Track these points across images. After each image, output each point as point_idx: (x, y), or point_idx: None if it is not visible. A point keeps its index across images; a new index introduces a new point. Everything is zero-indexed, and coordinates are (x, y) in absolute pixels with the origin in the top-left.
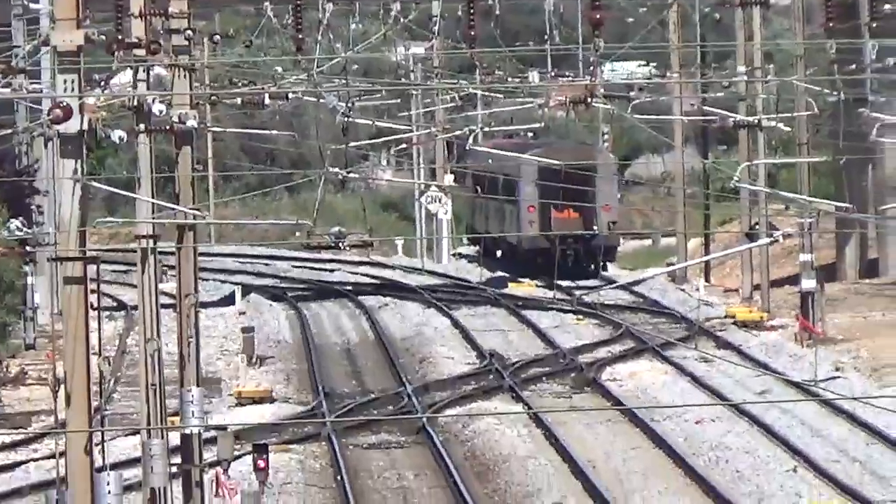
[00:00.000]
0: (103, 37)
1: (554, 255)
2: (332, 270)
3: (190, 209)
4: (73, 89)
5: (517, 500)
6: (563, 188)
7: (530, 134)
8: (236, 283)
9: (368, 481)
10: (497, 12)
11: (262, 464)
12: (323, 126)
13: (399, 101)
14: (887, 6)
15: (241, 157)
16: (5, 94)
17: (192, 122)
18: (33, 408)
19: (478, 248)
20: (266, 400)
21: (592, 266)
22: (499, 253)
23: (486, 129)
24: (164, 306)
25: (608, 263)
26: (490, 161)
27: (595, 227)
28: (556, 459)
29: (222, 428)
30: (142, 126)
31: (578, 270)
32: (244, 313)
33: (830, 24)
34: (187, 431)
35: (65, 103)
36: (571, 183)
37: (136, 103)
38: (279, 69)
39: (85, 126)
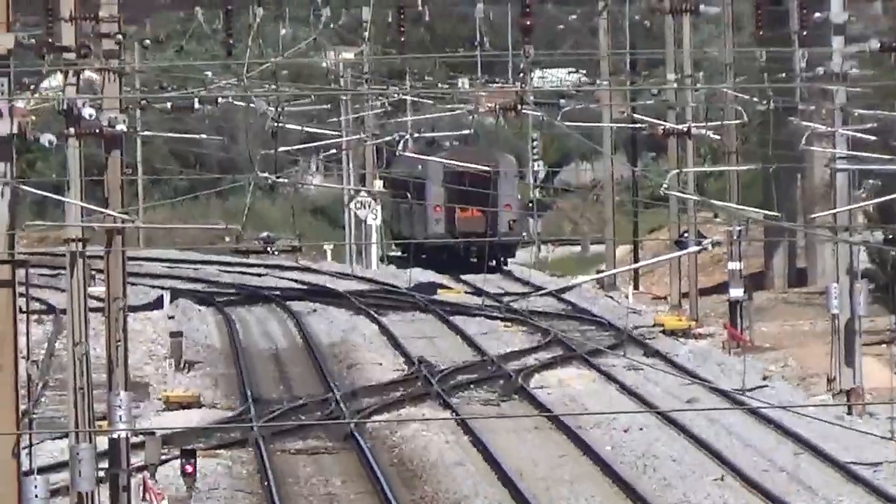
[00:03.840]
0: (33, 40)
1: (459, 253)
2: (260, 275)
3: (119, 213)
4: (2, 92)
5: None
6: (467, 189)
7: (455, 142)
8: (165, 288)
9: (295, 487)
10: (427, 18)
11: (189, 469)
12: (252, 131)
13: (329, 106)
14: (817, 15)
15: (170, 162)
16: None
17: (121, 126)
18: None
19: (403, 252)
20: (194, 405)
21: (494, 262)
22: (398, 250)
23: (416, 135)
24: (93, 310)
25: (509, 259)
26: (420, 167)
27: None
28: (484, 467)
29: (150, 432)
30: (71, 130)
31: (482, 266)
32: (172, 318)
33: (760, 33)
34: (115, 435)
35: None
36: (475, 185)
37: (65, 107)
38: (209, 73)
39: (15, 129)
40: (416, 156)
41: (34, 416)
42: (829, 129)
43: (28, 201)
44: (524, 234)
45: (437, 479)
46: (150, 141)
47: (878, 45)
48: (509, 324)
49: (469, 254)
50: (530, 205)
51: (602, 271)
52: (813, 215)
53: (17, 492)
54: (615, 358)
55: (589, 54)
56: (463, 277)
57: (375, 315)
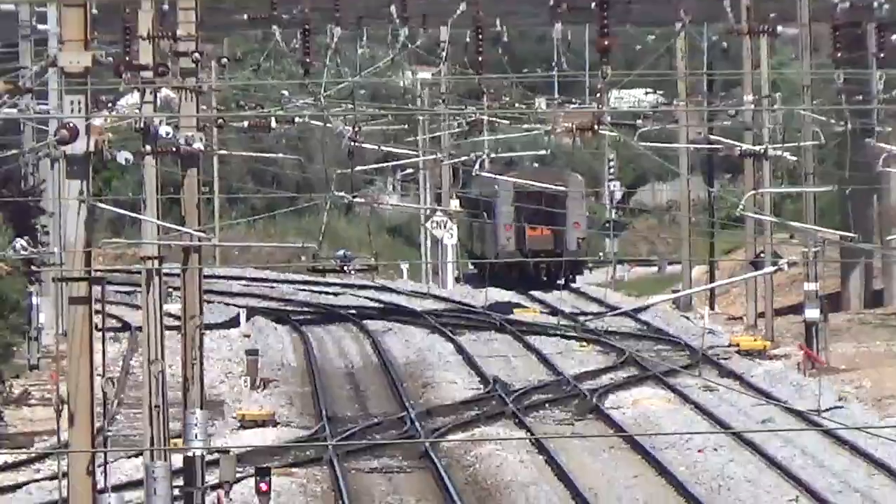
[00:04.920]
0: (111, 58)
1: (528, 270)
2: (336, 294)
3: (195, 231)
4: (79, 110)
5: None
6: (536, 208)
7: (535, 164)
8: (241, 306)
9: None
10: (504, 39)
11: (264, 487)
12: (329, 150)
13: (406, 126)
14: (894, 37)
15: (246, 180)
16: (12, 115)
17: (198, 145)
18: (36, 428)
19: (477, 270)
20: (269, 423)
21: (563, 280)
22: (473, 269)
23: (493, 155)
24: (169, 328)
25: (577, 276)
26: (496, 187)
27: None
28: (559, 486)
29: (225, 451)
30: (148, 148)
31: (550, 282)
32: (248, 336)
33: (838, 55)
34: (190, 453)
35: (71, 124)
36: (544, 203)
37: (142, 125)
38: (286, 93)
39: (91, 147)
40: (492, 175)
41: (109, 433)
42: None
43: (104, 219)
44: (600, 254)
45: (512, 498)
46: (226, 159)
47: None
48: (584, 343)
49: (538, 271)
50: (607, 225)
51: (678, 291)
52: (889, 236)
53: None
54: (690, 378)
55: (666, 75)
56: (539, 297)
57: (451, 334)
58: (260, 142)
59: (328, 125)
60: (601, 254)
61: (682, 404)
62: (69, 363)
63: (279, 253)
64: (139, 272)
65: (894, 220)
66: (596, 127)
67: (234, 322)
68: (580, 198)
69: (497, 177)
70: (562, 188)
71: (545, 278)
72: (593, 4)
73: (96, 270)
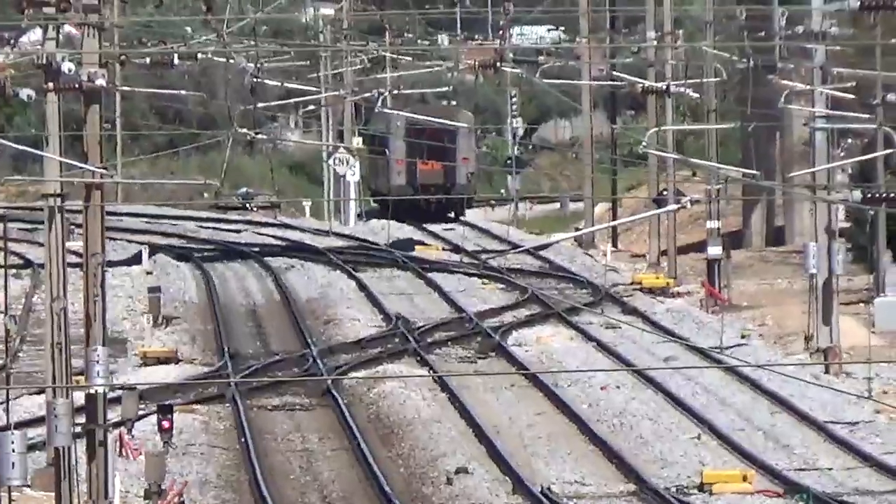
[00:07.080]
0: None
1: (419, 203)
2: (239, 231)
3: (97, 168)
4: None
5: (421, 464)
6: (427, 143)
7: (449, 101)
8: (143, 243)
9: (272, 443)
10: None
11: (166, 424)
12: (232, 87)
13: (308, 62)
14: None
15: (149, 117)
16: None
17: (100, 81)
18: None
19: (378, 205)
20: (171, 360)
21: (453, 212)
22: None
23: (395, 91)
24: (71, 265)
25: (465, 210)
26: (398, 124)
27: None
28: (461, 424)
29: (127, 388)
30: (51, 84)
31: (440, 215)
32: (151, 273)
33: None
34: (92, 391)
35: None
36: (434, 139)
37: (45, 61)
38: (189, 29)
39: None
40: (393, 112)
41: (11, 371)
42: (807, 87)
43: (6, 155)
44: (502, 191)
45: (414, 435)
46: (129, 96)
47: (858, 3)
48: (487, 281)
49: (429, 204)
50: (509, 161)
51: (580, 229)
52: (791, 174)
53: None
54: (593, 316)
55: (568, 11)
56: (441, 234)
57: (353, 271)
58: (162, 78)
59: (231, 62)
60: (503, 191)
61: (585, 342)
62: None
63: (182, 190)
64: (41, 209)
65: (796, 158)
66: (498, 64)
67: (136, 259)
68: (469, 134)
69: (391, 112)
70: (451, 123)
71: (434, 211)
72: None
73: None
